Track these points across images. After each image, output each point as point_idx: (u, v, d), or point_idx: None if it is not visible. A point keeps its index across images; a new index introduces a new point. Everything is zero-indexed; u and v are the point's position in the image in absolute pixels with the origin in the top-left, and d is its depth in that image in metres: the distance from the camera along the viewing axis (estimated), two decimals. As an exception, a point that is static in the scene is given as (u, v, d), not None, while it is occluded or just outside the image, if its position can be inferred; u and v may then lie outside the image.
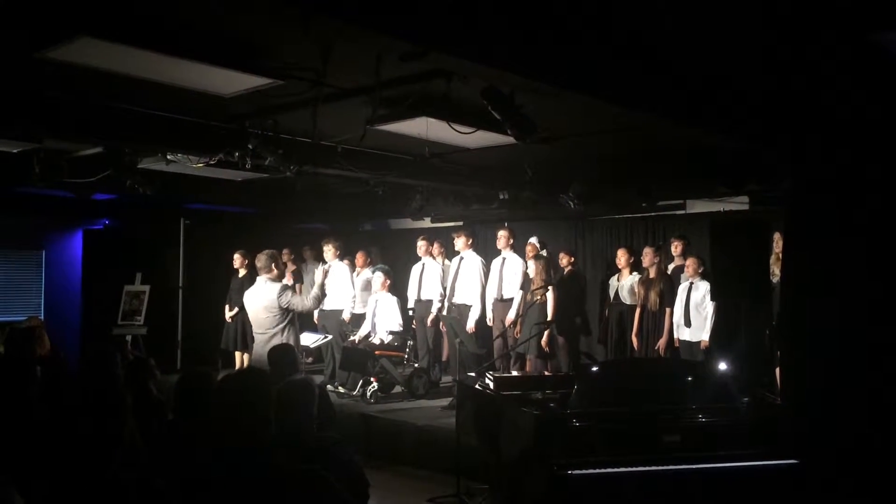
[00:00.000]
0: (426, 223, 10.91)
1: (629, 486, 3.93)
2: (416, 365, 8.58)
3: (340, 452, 3.47)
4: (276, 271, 6.09)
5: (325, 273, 6.36)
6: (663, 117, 4.91)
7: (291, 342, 5.82)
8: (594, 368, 4.80)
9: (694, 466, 3.98)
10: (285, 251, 10.17)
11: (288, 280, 8.50)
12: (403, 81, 4.74)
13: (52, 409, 2.77)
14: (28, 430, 2.89)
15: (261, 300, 6.01)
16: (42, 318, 8.94)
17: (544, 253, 8.50)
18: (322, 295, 6.29)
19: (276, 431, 2.79)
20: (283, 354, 4.75)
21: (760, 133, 5.47)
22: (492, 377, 5.14)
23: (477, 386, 5.18)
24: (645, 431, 4.12)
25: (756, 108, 5.30)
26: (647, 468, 3.94)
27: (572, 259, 8.24)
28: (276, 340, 5.74)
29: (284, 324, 5.95)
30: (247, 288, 7.19)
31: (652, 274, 7.49)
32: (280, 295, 5.92)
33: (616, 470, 3.91)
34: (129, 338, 9.60)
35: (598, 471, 3.89)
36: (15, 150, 7.03)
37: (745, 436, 4.15)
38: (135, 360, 4.97)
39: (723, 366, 4.72)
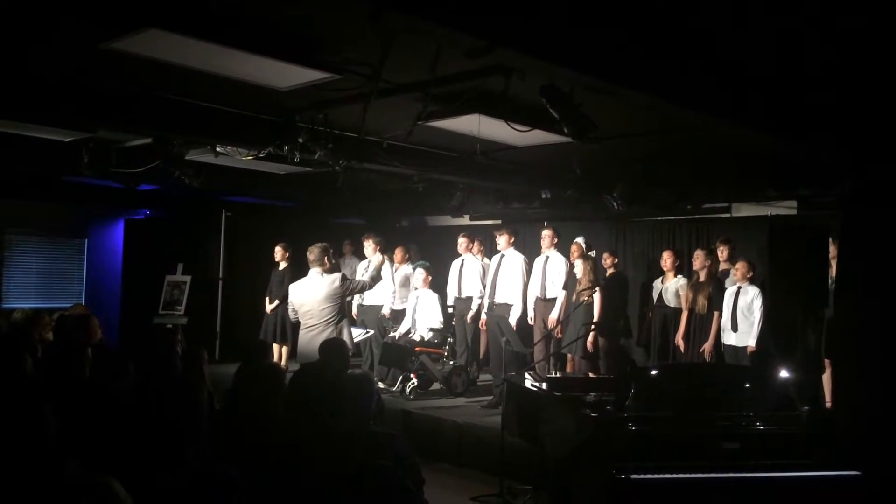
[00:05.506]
0: (464, 220, 10.89)
1: (688, 493, 3.88)
2: (453, 363, 8.56)
3: (398, 447, 3.46)
4: (328, 264, 6.11)
5: (382, 262, 6.65)
6: (721, 118, 4.84)
7: (345, 336, 5.83)
8: (653, 372, 4.74)
9: (754, 475, 3.92)
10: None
11: None
12: (460, 78, 4.71)
13: (138, 399, 2.77)
14: (99, 417, 2.91)
15: (318, 292, 5.97)
16: (83, 305, 9.03)
17: (592, 254, 8.41)
18: (378, 277, 6.48)
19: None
20: (336, 349, 4.74)
21: (820, 138, 5.37)
22: (538, 377, 5.11)
23: (526, 385, 5.14)
24: (704, 437, 4.07)
25: (815, 112, 5.21)
26: (707, 475, 3.89)
27: (615, 260, 8.17)
28: (329, 333, 5.74)
29: (340, 316, 5.98)
30: (288, 281, 7.23)
31: (702, 277, 7.37)
32: (342, 284, 5.99)
33: (675, 476, 3.86)
34: (170, 327, 9.70)
35: (656, 476, 3.84)
36: (66, 140, 7.11)
37: (807, 444, 4.08)
38: (186, 350, 5.00)
39: (784, 373, 4.64)
